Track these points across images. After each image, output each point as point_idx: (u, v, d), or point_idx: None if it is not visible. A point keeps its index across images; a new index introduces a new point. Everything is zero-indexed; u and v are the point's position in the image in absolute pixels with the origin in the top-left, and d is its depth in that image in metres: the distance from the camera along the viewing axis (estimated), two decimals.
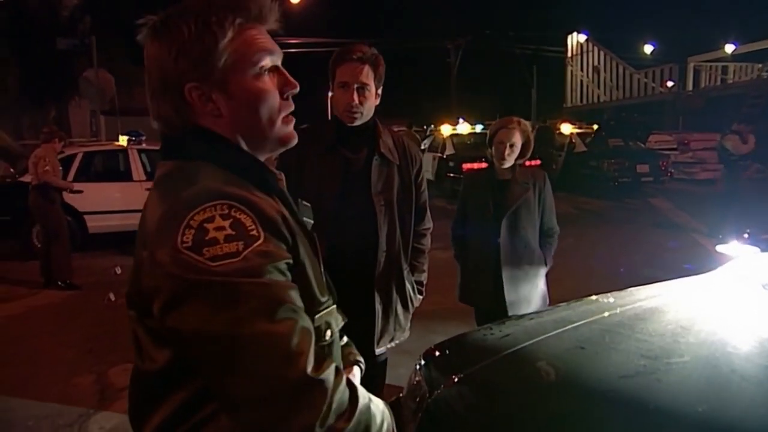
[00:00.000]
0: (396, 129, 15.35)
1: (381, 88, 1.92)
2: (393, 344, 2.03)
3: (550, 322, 1.90)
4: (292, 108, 0.95)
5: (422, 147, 13.82)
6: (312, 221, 1.04)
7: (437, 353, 1.87)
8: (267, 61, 0.90)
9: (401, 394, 1.91)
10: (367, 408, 0.88)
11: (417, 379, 1.81)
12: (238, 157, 0.90)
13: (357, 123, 1.88)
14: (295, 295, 0.81)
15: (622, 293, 2.14)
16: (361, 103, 1.83)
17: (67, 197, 6.11)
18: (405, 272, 2.02)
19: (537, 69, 23.58)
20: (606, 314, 1.88)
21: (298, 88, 0.94)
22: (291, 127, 0.95)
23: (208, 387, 0.81)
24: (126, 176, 7.41)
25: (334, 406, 0.79)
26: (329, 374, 0.81)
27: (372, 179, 1.89)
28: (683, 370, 1.44)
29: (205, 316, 0.74)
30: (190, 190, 0.80)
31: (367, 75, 1.83)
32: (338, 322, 0.98)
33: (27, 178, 5.85)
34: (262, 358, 0.76)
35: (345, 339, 1.17)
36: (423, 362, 1.84)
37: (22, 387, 3.47)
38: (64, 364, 3.77)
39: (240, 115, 0.90)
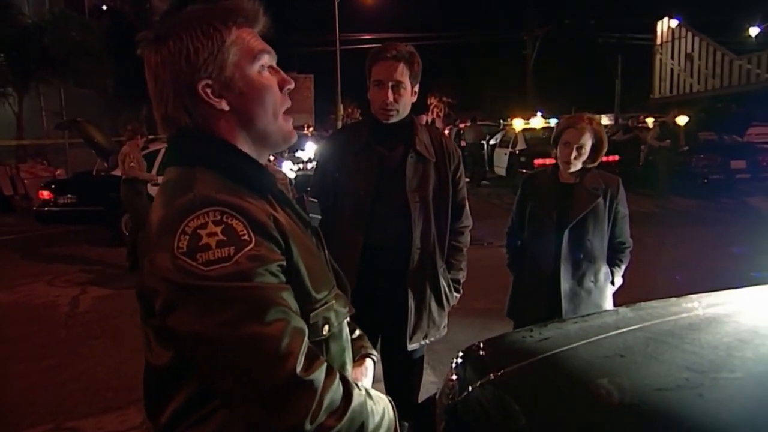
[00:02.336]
0: (462, 124, 15.05)
1: (417, 85, 1.91)
2: (427, 341, 2.02)
3: (594, 327, 1.80)
4: (290, 104, 0.99)
5: (492, 142, 13.50)
6: (319, 217, 1.06)
7: (473, 353, 1.83)
8: (266, 59, 0.95)
9: (437, 392, 1.89)
10: (362, 405, 0.89)
11: (452, 377, 1.78)
12: (235, 160, 0.93)
13: (392, 120, 1.89)
14: (287, 297, 0.84)
15: (681, 299, 1.97)
16: (395, 100, 1.84)
17: (152, 189, 6.59)
18: (440, 270, 1.99)
19: (621, 58, 22.15)
20: (656, 321, 1.75)
21: (293, 84, 0.98)
22: (290, 124, 0.99)
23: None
24: None
25: (324, 404, 0.81)
26: (319, 374, 0.83)
27: (407, 176, 1.89)
28: (731, 387, 1.30)
29: (198, 319, 0.78)
30: (185, 197, 0.84)
31: (402, 73, 1.82)
32: (339, 316, 0.99)
33: (117, 172, 6.43)
34: (251, 359, 0.79)
35: (357, 332, 1.19)
36: (459, 361, 1.81)
37: (106, 358, 3.87)
38: (139, 342, 4.09)
39: (247, 109, 0.94)
